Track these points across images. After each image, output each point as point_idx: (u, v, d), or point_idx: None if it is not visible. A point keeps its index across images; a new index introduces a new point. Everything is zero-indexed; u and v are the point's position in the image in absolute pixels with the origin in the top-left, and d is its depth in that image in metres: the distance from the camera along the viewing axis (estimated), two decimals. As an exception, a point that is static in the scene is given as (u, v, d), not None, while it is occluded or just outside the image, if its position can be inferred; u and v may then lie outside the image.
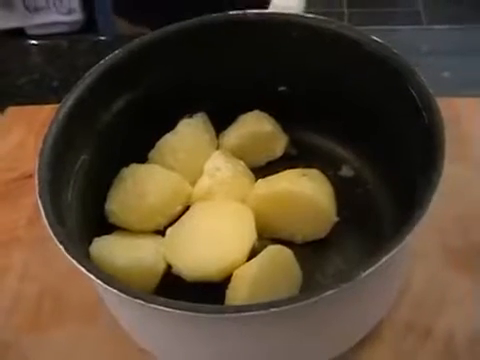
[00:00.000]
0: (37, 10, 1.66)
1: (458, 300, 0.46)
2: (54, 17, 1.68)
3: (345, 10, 1.97)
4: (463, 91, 0.63)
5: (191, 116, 0.50)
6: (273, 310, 0.30)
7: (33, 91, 0.70)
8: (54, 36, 1.06)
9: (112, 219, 0.46)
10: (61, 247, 0.34)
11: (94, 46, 0.76)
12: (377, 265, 0.31)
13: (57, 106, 0.43)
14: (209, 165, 0.48)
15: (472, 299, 0.46)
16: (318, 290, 0.30)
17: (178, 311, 0.30)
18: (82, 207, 0.43)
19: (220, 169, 0.47)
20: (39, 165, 0.39)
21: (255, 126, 0.51)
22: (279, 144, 0.52)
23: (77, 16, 1.63)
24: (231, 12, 0.48)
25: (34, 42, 0.79)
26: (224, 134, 0.51)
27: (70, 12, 1.63)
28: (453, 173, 0.51)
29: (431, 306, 0.45)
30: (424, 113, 0.39)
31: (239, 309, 0.30)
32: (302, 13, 0.48)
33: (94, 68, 0.45)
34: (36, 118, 0.63)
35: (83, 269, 0.33)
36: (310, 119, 0.51)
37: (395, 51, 0.43)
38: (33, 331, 0.47)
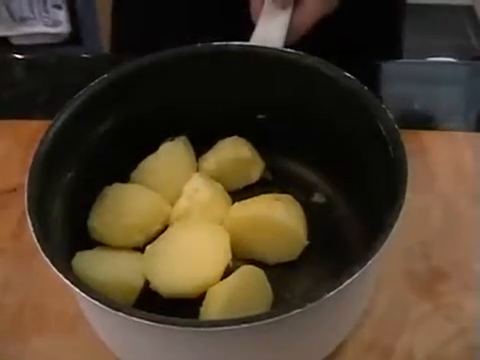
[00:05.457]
0: (23, 20, 1.67)
1: (418, 322, 0.48)
2: (40, 28, 1.69)
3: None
4: (433, 123, 0.66)
5: (173, 139, 0.52)
6: (244, 325, 0.32)
7: (18, 105, 0.71)
8: (41, 50, 1.07)
9: (94, 235, 0.48)
10: (48, 261, 0.36)
11: (80, 62, 0.77)
12: (341, 287, 0.34)
13: (44, 122, 0.46)
14: (188, 187, 0.50)
15: (431, 321, 0.49)
16: (286, 308, 0.33)
17: (158, 324, 0.32)
18: (67, 222, 0.45)
19: (199, 191, 0.50)
20: (29, 181, 0.41)
21: (233, 152, 0.53)
22: (256, 169, 0.54)
23: (63, 28, 1.64)
24: (214, 43, 0.51)
25: (20, 56, 0.80)
26: (204, 158, 0.53)
27: (56, 24, 1.64)
28: (417, 202, 0.54)
29: (393, 327, 0.48)
30: (390, 148, 0.42)
31: (213, 324, 0.32)
32: (281, 47, 0.51)
33: (84, 90, 0.48)
34: (22, 132, 0.64)
35: (70, 283, 0.35)
36: (286, 147, 0.54)
37: (365, 87, 0.46)
38: (14, 340, 0.48)
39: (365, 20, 0.67)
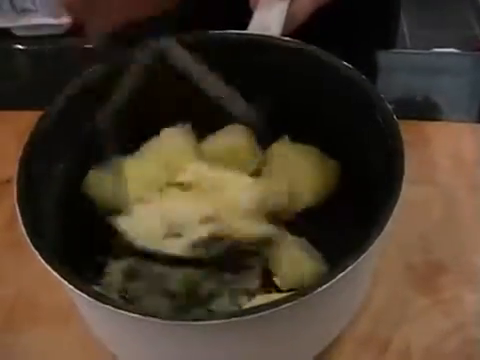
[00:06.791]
0: (24, 11, 1.67)
1: (416, 316, 0.48)
2: (41, 19, 1.69)
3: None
4: (435, 114, 0.65)
5: (173, 126, 0.52)
6: (233, 319, 0.31)
7: (19, 96, 0.71)
8: (41, 41, 1.07)
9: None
10: (37, 253, 0.36)
11: (81, 53, 0.77)
12: (333, 281, 0.33)
13: (40, 113, 0.45)
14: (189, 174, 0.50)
15: (429, 315, 0.48)
16: (276, 302, 0.32)
17: (143, 317, 0.32)
18: (58, 214, 0.45)
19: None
20: (18, 172, 0.41)
21: (233, 139, 0.52)
22: (254, 158, 0.53)
23: (64, 19, 1.64)
24: (212, 32, 0.50)
25: (20, 47, 0.79)
26: (203, 145, 0.52)
27: (57, 15, 1.64)
28: (418, 194, 0.54)
29: (390, 321, 0.48)
30: (388, 138, 0.41)
31: (199, 318, 0.32)
32: (280, 36, 0.51)
33: (79, 77, 0.47)
34: (18, 123, 0.64)
35: (59, 276, 0.35)
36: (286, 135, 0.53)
37: (363, 77, 0.45)
38: (7, 333, 0.48)
39: (360, 9, 0.67)
